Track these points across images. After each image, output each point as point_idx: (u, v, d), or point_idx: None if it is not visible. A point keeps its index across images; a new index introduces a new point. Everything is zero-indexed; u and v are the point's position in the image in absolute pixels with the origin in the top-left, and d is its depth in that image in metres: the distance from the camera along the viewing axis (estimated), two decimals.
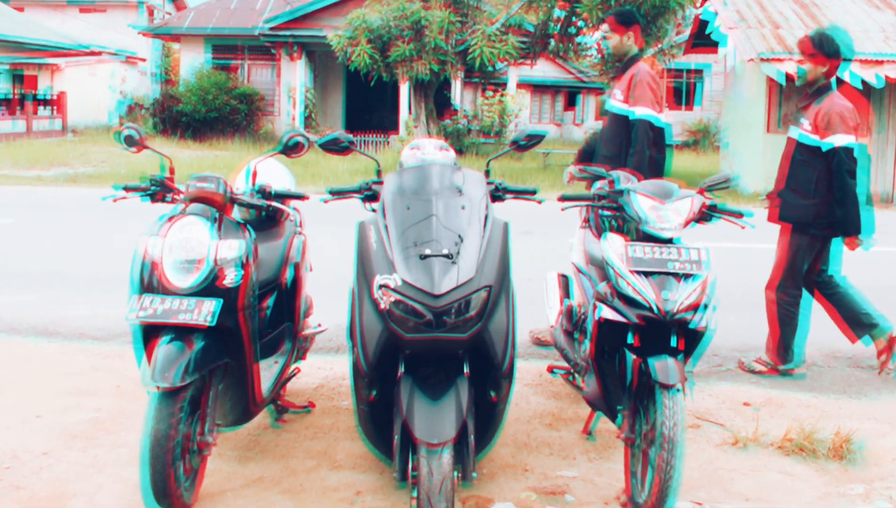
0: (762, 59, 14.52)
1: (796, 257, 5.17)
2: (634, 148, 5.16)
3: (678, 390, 3.22)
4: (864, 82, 14.29)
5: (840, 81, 5.16)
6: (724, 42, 15.60)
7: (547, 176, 17.26)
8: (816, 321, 5.53)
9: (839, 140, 4.97)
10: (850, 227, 5.02)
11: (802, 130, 5.14)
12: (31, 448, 3.84)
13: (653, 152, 5.17)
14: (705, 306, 3.35)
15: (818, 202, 5.08)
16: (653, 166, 5.10)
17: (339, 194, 3.64)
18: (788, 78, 14.07)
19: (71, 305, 6.53)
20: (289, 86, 25.76)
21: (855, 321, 5.30)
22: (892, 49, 14.84)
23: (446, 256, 2.94)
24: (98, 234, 9.73)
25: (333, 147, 3.71)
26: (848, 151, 4.98)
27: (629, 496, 3.44)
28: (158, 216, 3.38)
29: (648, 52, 17.83)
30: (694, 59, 27.46)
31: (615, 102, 5.36)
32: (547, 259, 5.84)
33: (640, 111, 5.19)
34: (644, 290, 3.32)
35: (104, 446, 3.90)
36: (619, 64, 5.45)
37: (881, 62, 14.42)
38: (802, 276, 5.21)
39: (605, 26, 5.42)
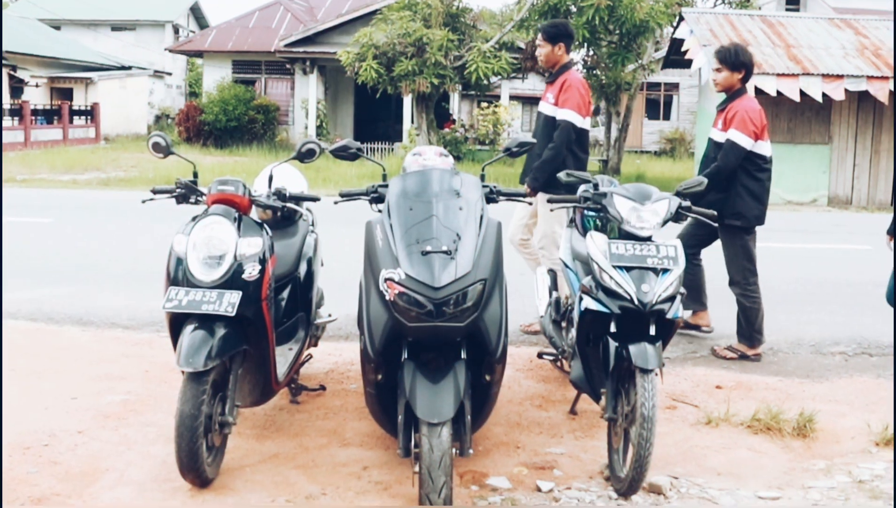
0: None
1: (742, 250, 5.19)
2: (553, 144, 5.20)
3: (655, 373, 3.24)
4: (824, 95, 14.30)
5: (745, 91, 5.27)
6: (697, 58, 15.56)
7: None
8: (783, 312, 5.55)
9: (731, 134, 5.09)
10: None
11: (715, 128, 5.26)
12: (67, 427, 3.84)
13: (577, 152, 5.24)
14: (680, 296, 3.39)
15: (728, 194, 5.13)
16: (578, 165, 5.17)
17: (349, 196, 3.65)
18: (757, 91, 14.05)
19: (103, 297, 6.52)
20: (303, 98, 25.71)
21: (690, 294, 5.33)
22: (850, 65, 14.83)
23: (445, 252, 2.94)
24: (128, 233, 9.71)
25: (343, 154, 3.72)
26: (735, 146, 5.06)
27: (611, 470, 3.44)
28: (192, 217, 3.39)
29: (629, 67, 17.83)
30: (670, 75, 27.42)
31: (547, 104, 5.37)
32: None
33: (565, 113, 5.22)
34: (624, 283, 3.33)
35: (133, 425, 3.90)
36: (552, 71, 5.46)
37: (841, 77, 14.41)
38: (755, 263, 5.22)
39: (538, 37, 5.46)
